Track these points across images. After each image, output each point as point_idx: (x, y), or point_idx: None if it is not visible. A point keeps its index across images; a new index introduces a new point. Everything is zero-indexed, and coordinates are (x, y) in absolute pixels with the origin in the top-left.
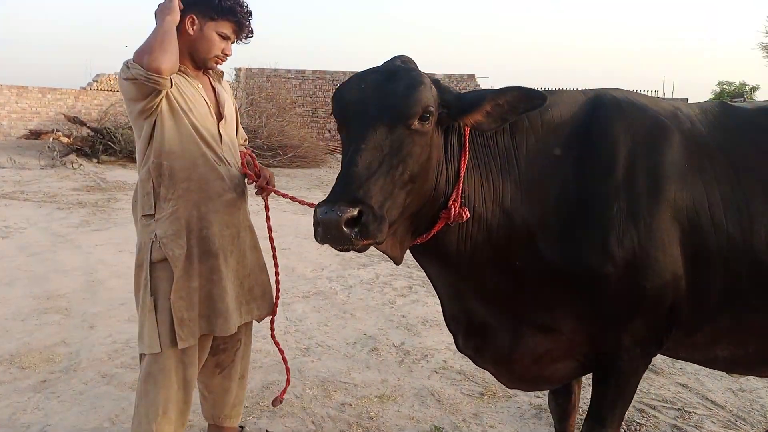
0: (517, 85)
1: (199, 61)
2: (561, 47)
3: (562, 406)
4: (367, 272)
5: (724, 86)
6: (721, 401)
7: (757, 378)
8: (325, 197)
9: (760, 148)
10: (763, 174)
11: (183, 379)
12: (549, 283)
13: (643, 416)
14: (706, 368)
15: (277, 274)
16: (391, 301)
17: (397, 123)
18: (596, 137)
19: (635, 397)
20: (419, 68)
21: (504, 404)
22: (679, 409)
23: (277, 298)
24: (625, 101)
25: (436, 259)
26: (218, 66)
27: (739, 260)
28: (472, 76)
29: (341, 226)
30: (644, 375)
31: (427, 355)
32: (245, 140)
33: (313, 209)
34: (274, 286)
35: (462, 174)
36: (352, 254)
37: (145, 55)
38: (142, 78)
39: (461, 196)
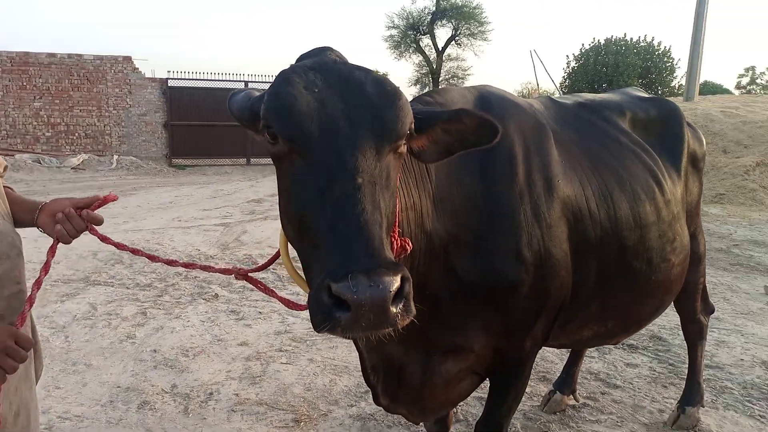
0: (470, 109)
1: None
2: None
3: (442, 422)
4: (77, 304)
5: None
6: None
7: None
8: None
9: (596, 139)
10: (611, 165)
11: None
12: (463, 302)
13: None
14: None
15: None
16: (130, 335)
17: (387, 145)
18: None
19: None
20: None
21: (324, 425)
22: None
23: None
24: (507, 100)
25: None
26: None
27: (608, 247)
28: (128, 59)
29: (389, 305)
30: None
31: (212, 393)
32: (4, 168)
33: (320, 286)
34: None
35: (398, 200)
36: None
37: None
38: None
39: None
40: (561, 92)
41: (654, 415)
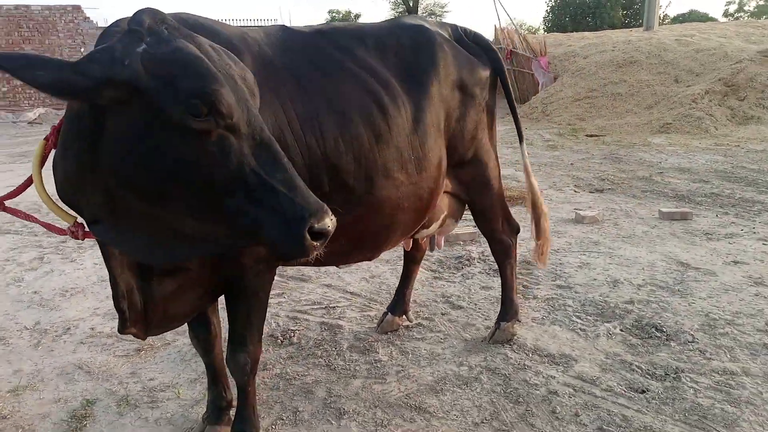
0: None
1: None
2: None
3: (204, 340)
4: None
5: (334, 14)
6: (357, 290)
7: (384, 263)
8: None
9: (317, 65)
10: (322, 88)
11: None
12: None
13: (296, 322)
14: (346, 266)
15: None
16: (18, 279)
17: None
18: None
19: (288, 308)
20: None
21: (163, 353)
22: (325, 306)
23: None
24: (196, 26)
25: None
26: None
27: (319, 167)
28: (77, 7)
29: None
30: (294, 285)
31: (69, 328)
32: None
33: (306, 221)
34: None
35: None
36: None
37: None
38: None
39: None
40: (544, 29)
41: (480, 331)
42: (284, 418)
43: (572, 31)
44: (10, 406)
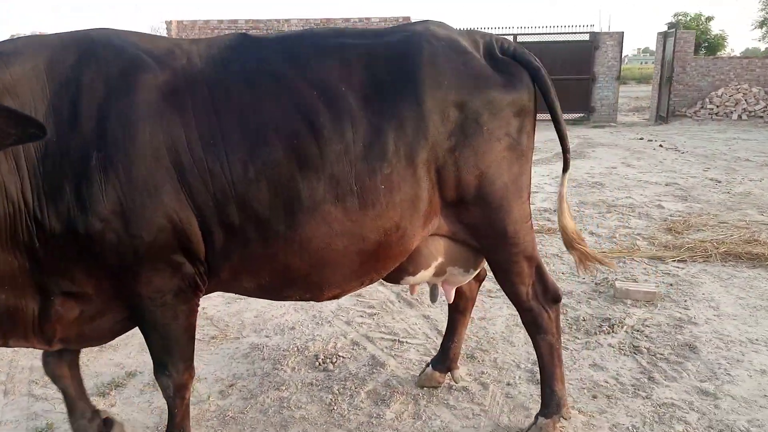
0: (7, 106)
1: None
2: None
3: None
4: None
5: (680, 17)
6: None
7: (509, 307)
8: None
9: (248, 79)
10: (240, 106)
11: None
12: (58, 251)
13: (352, 349)
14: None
15: None
16: None
17: None
18: (65, 88)
19: (364, 330)
20: None
21: (227, 346)
22: (395, 339)
23: None
24: (101, 43)
25: None
26: None
27: (226, 196)
28: (407, 18)
29: None
30: (397, 308)
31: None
32: None
33: None
34: None
35: None
36: None
37: None
38: None
39: None
40: None
41: (529, 421)
42: None
43: None
44: (85, 359)
